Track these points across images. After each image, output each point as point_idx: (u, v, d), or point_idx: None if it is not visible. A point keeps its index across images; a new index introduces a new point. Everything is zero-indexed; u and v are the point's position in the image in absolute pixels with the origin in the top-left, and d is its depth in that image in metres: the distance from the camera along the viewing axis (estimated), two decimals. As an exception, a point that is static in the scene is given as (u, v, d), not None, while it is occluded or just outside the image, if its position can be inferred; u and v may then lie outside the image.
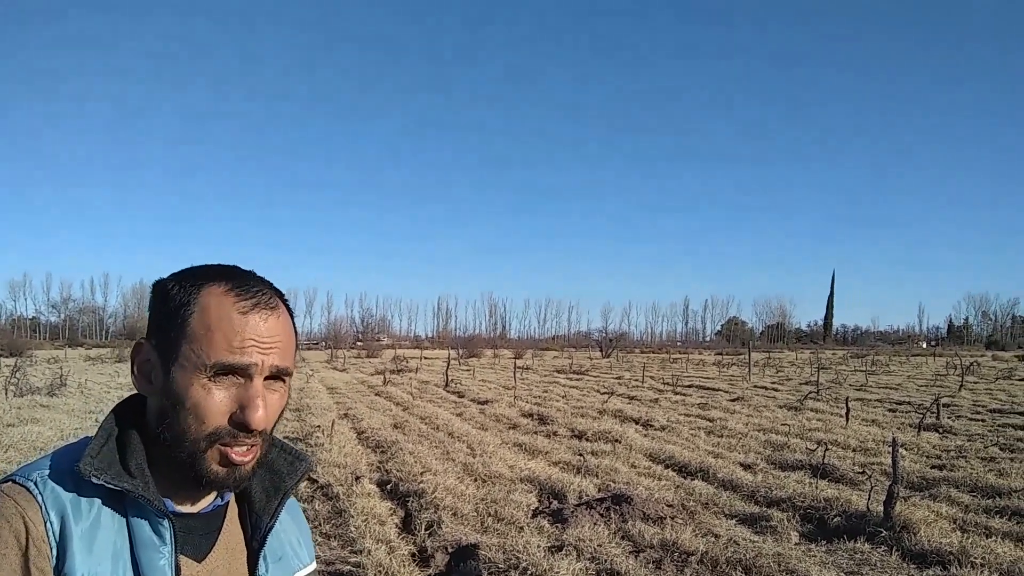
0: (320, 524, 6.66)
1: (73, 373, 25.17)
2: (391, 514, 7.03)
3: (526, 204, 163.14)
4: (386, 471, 8.70)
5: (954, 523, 6.67)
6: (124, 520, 0.98)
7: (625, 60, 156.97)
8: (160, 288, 1.04)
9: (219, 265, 1.07)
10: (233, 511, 1.12)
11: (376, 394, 20.34)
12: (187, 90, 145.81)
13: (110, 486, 0.95)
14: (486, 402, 17.22)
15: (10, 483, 0.95)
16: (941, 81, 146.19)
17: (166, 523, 0.98)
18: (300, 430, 12.21)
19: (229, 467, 1.00)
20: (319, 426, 12.14)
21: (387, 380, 24.42)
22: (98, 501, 0.96)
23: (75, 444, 1.03)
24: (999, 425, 13.45)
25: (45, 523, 0.92)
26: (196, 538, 1.05)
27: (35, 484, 0.95)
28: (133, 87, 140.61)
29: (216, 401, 0.98)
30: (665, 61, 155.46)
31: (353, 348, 72.06)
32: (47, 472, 0.97)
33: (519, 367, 31.82)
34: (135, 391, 1.07)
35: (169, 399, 0.98)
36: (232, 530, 1.11)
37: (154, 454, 1.01)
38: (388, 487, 8.01)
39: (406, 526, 6.73)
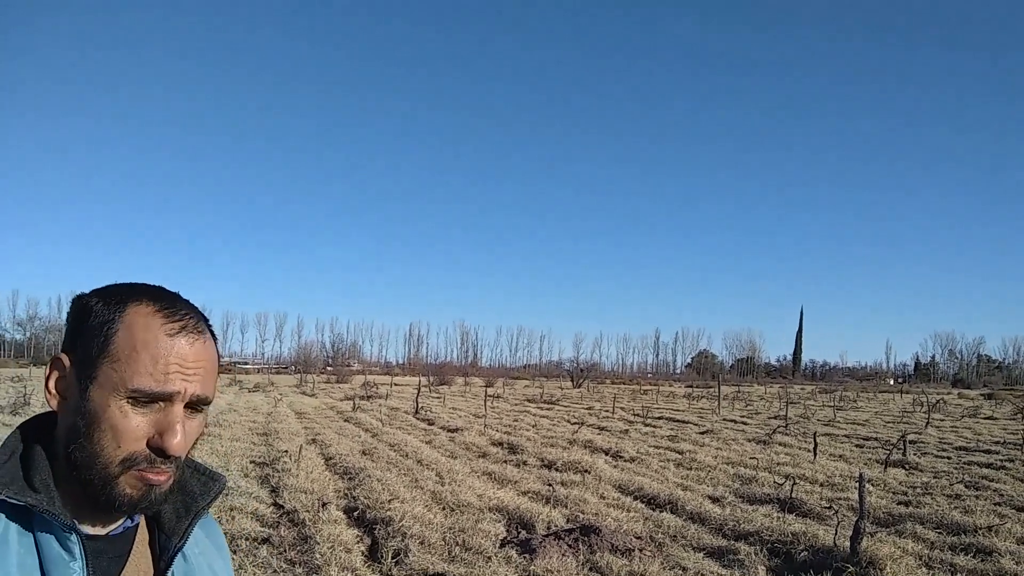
0: (285, 550, 6.54)
1: (37, 392, 24.59)
2: (357, 541, 6.92)
3: (500, 232, 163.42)
4: (353, 498, 8.58)
5: (920, 560, 6.72)
6: (32, 538, 0.93)
7: (595, 98, 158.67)
8: (82, 302, 1.00)
9: (145, 284, 1.03)
10: (144, 535, 1.08)
11: (345, 420, 20.12)
12: (158, 106, 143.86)
13: (12, 501, 0.91)
14: (456, 430, 17.11)
15: None
16: (910, 124, 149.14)
17: (75, 538, 0.94)
18: (267, 455, 12.03)
19: (145, 488, 0.96)
20: (287, 451, 11.98)
21: (356, 406, 24.15)
22: (2, 517, 0.92)
23: None
24: (965, 463, 13.63)
25: None
26: (104, 561, 1.00)
27: None
28: (102, 99, 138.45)
29: (134, 426, 0.95)
30: (632, 100, 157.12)
31: (323, 373, 71.29)
32: None
33: (490, 395, 31.63)
34: (49, 409, 1.02)
35: (84, 419, 0.95)
36: (142, 553, 1.06)
37: (61, 473, 0.97)
38: (355, 514, 7.90)
39: (372, 554, 6.63)
